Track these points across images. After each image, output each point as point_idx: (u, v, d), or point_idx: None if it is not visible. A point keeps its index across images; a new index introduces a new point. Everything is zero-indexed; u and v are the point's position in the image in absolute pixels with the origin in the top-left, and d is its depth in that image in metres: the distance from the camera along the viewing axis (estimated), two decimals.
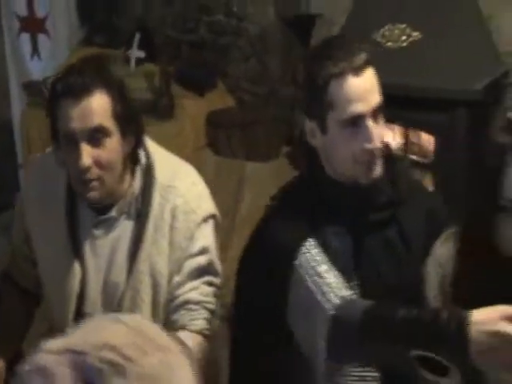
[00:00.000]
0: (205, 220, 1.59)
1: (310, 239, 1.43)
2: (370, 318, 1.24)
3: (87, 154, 1.46)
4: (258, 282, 1.50)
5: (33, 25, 4.32)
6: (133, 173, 1.57)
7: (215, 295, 1.61)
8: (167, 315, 1.57)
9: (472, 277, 1.30)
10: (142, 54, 3.66)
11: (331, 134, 1.46)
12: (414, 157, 2.66)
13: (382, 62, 2.53)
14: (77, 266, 1.57)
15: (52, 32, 4.26)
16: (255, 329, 1.53)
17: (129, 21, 3.79)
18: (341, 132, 1.44)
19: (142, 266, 1.55)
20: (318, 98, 1.45)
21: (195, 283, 1.56)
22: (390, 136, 1.49)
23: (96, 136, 1.47)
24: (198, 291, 1.56)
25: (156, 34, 3.71)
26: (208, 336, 1.57)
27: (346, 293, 1.35)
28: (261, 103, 3.44)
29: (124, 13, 3.86)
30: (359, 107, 1.41)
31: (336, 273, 1.40)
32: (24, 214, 1.67)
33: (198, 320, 1.55)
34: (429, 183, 2.68)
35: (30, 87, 3.77)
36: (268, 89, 3.43)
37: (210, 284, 1.59)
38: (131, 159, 1.56)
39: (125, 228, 1.57)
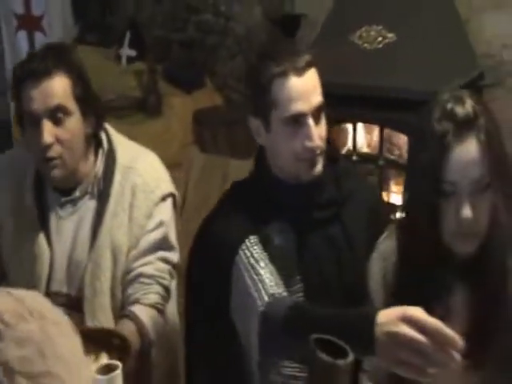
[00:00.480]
0: (163, 199, 1.70)
1: (252, 236, 1.49)
2: (293, 315, 1.29)
3: (48, 132, 1.56)
4: (203, 277, 1.57)
5: (30, 23, 4.40)
6: (96, 155, 1.68)
7: (170, 272, 1.70)
8: (123, 289, 1.66)
9: (412, 265, 1.34)
10: (132, 53, 3.72)
11: (274, 131, 1.52)
12: (390, 156, 2.72)
13: (358, 63, 2.62)
14: (46, 248, 1.66)
15: (48, 30, 4.35)
16: (206, 323, 1.59)
17: (120, 20, 3.86)
18: (283, 130, 1.50)
19: (103, 240, 1.64)
20: (261, 97, 1.51)
21: (150, 258, 1.66)
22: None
23: (57, 115, 1.57)
24: (152, 266, 1.66)
25: (146, 33, 3.77)
26: (161, 310, 1.65)
27: (278, 290, 1.40)
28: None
29: (116, 12, 3.92)
30: (300, 106, 1.47)
31: (273, 270, 1.45)
32: None
33: (151, 294, 1.64)
34: (397, 181, 2.74)
35: None
36: None
37: (164, 260, 1.68)
38: (93, 141, 1.67)
39: (88, 207, 1.67)
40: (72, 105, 1.58)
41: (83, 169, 1.67)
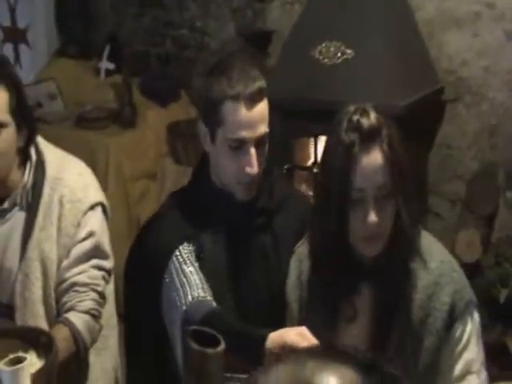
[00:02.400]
0: (91, 208, 1.72)
1: (185, 243, 1.54)
2: (206, 321, 1.34)
3: None
4: (139, 283, 1.63)
5: (15, 35, 4.50)
6: (24, 167, 1.71)
7: (104, 278, 1.73)
8: (58, 298, 1.69)
9: (322, 267, 1.41)
10: (111, 66, 3.81)
11: (218, 146, 1.56)
12: None
13: (318, 78, 2.69)
14: None
15: (32, 42, 4.44)
16: (143, 327, 1.65)
17: (101, 34, 3.94)
18: (226, 149, 1.54)
19: (32, 252, 1.68)
20: (211, 111, 1.55)
21: (83, 267, 1.69)
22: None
23: None
24: (86, 274, 1.69)
25: (126, 47, 3.85)
26: (96, 316, 1.69)
27: (202, 294, 1.46)
28: None
29: (97, 26, 4.01)
30: (245, 134, 1.50)
31: (202, 277, 1.50)
32: None
33: (86, 301, 1.67)
34: None
35: None
36: None
37: (98, 267, 1.72)
38: (23, 154, 1.70)
39: (17, 218, 1.70)
40: (7, 118, 1.62)
41: (12, 180, 1.69)
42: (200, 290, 1.46)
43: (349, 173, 1.29)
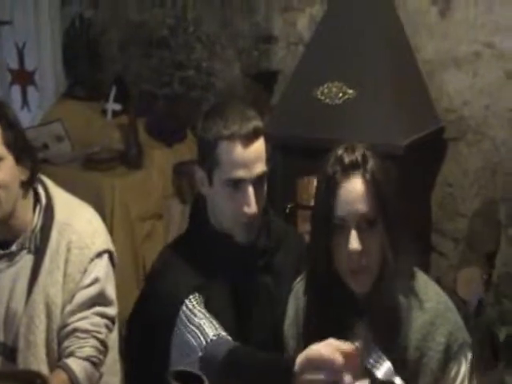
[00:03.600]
0: (98, 255, 1.73)
1: (191, 295, 1.53)
2: (230, 356, 1.34)
3: None
4: (146, 334, 1.61)
5: (23, 77, 4.59)
6: (34, 210, 1.73)
7: (107, 326, 1.73)
8: (60, 342, 1.70)
9: (316, 304, 1.42)
10: (117, 107, 3.87)
11: (216, 187, 1.56)
12: None
13: (320, 118, 2.73)
14: None
15: (40, 84, 4.52)
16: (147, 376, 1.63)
17: (108, 75, 4.02)
18: (224, 189, 1.54)
19: (37, 296, 1.69)
20: (207, 153, 1.55)
21: (85, 313, 1.70)
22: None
23: None
24: (88, 321, 1.69)
25: (133, 87, 3.92)
26: (96, 363, 1.69)
27: (218, 332, 1.44)
28: None
29: (104, 68, 4.08)
30: (242, 173, 1.50)
31: (212, 319, 1.49)
32: None
33: (86, 348, 1.67)
34: None
35: None
36: None
37: (101, 315, 1.72)
38: (31, 196, 1.73)
39: (25, 261, 1.72)
40: (3, 150, 1.65)
41: (19, 221, 1.72)
42: (215, 331, 1.45)
43: (330, 201, 1.32)
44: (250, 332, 1.58)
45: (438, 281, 2.90)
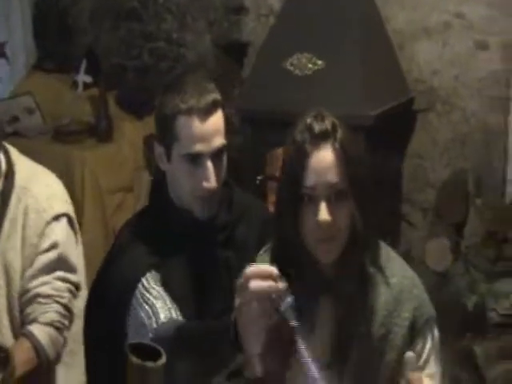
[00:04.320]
0: (55, 218, 1.72)
1: (151, 271, 1.52)
2: (179, 334, 1.34)
3: None
4: (102, 314, 1.59)
5: None
6: None
7: (70, 291, 1.73)
8: (22, 308, 1.70)
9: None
10: (88, 79, 3.82)
11: (174, 163, 1.54)
12: None
13: (289, 89, 2.72)
14: None
15: (10, 57, 4.45)
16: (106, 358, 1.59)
17: (79, 48, 3.95)
18: (182, 165, 1.52)
19: None
20: (165, 128, 1.53)
21: (46, 278, 1.69)
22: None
23: None
24: (49, 286, 1.69)
25: (103, 60, 3.87)
26: (59, 328, 1.69)
27: (169, 315, 1.44)
28: None
29: (74, 40, 4.02)
30: (200, 147, 1.49)
31: (167, 299, 1.49)
32: None
33: (49, 313, 1.67)
34: None
35: None
36: None
37: (63, 280, 1.71)
38: None
39: None
40: None
41: None
42: (167, 313, 1.45)
43: (300, 170, 1.30)
44: (210, 307, 1.57)
45: (409, 251, 2.95)
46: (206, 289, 1.59)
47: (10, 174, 1.73)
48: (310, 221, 1.31)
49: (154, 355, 1.06)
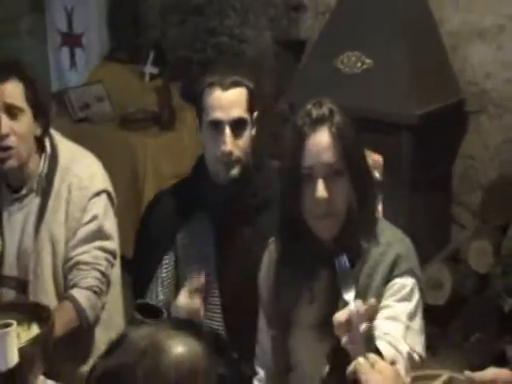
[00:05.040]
0: (96, 194, 1.91)
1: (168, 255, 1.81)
2: None
3: (5, 125, 1.82)
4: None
5: (71, 40, 4.77)
6: (40, 158, 1.92)
7: (108, 260, 1.91)
8: (65, 276, 1.89)
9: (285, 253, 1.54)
10: (155, 70, 4.00)
11: (203, 131, 1.77)
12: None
13: (338, 87, 2.79)
14: None
15: (86, 47, 4.70)
16: None
17: (148, 40, 4.14)
18: (207, 132, 1.74)
19: (43, 233, 1.89)
20: (197, 100, 1.77)
21: (86, 247, 1.88)
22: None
23: (12, 111, 1.83)
24: (89, 254, 1.88)
25: (171, 53, 4.04)
26: (98, 292, 1.87)
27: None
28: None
29: (144, 33, 4.21)
30: (219, 114, 1.70)
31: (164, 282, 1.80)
32: None
33: (88, 278, 1.86)
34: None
35: (56, 96, 4.17)
36: (262, 106, 3.68)
37: (101, 249, 1.90)
38: (39, 145, 1.91)
39: (33, 203, 1.92)
40: (24, 104, 1.85)
41: (30, 168, 1.91)
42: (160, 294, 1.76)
43: (298, 151, 1.41)
44: (225, 275, 1.77)
45: (457, 252, 2.95)
46: (222, 256, 1.77)
47: (54, 156, 1.93)
48: (309, 198, 1.41)
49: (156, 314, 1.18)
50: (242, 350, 1.49)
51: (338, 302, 1.38)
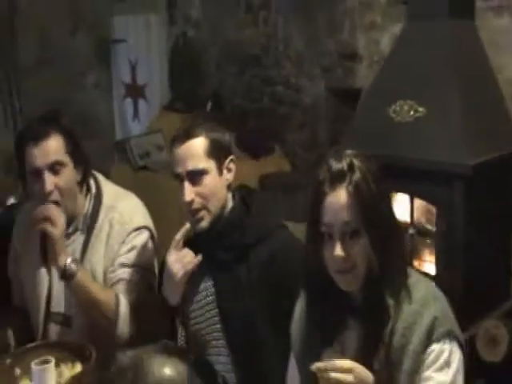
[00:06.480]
0: (136, 229, 2.02)
1: None
2: None
3: (50, 182, 1.92)
4: None
5: (135, 91, 4.94)
6: (85, 198, 2.04)
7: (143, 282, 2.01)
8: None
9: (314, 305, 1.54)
10: None
11: None
12: (422, 224, 2.78)
13: (390, 135, 2.75)
14: (46, 275, 2.04)
15: (149, 97, 4.85)
16: None
17: (206, 90, 4.24)
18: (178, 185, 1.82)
19: (85, 265, 1.99)
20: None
21: (125, 269, 2.00)
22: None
23: (55, 167, 1.93)
24: (127, 274, 1.99)
25: (228, 102, 4.12)
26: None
27: None
28: (309, 167, 3.69)
29: (203, 84, 4.31)
30: (178, 169, 1.82)
31: None
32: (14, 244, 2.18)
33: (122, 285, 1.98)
34: (430, 252, 2.78)
35: (118, 145, 4.30)
36: (317, 154, 3.69)
37: (139, 273, 2.00)
38: (84, 186, 2.03)
39: (78, 240, 2.03)
40: (66, 158, 1.95)
41: (76, 209, 2.02)
42: None
43: (318, 209, 1.42)
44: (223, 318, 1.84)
45: None
46: (218, 302, 1.86)
47: (98, 196, 2.04)
48: (328, 255, 1.43)
49: None
50: None
51: (366, 352, 1.36)
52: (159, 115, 4.42)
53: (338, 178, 1.41)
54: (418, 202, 2.76)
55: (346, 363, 1.33)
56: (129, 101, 5.03)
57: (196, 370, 1.37)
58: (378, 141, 2.80)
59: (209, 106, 4.10)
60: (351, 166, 1.42)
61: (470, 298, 2.61)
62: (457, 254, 2.62)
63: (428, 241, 2.75)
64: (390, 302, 1.42)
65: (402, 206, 2.82)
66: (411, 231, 2.76)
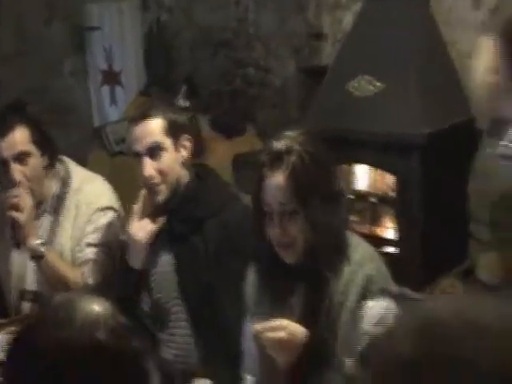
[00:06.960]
0: (101, 210, 2.12)
1: None
2: None
3: (17, 173, 2.04)
4: None
5: (111, 78, 5.02)
6: (51, 182, 2.15)
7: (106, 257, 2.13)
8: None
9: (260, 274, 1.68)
10: (186, 103, 4.18)
11: None
12: (382, 193, 2.92)
13: (349, 110, 2.88)
14: (18, 257, 2.17)
15: (125, 84, 4.94)
16: None
17: (179, 75, 4.34)
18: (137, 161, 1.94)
19: (54, 245, 2.11)
20: None
21: (89, 250, 2.12)
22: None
23: (21, 157, 2.05)
24: (91, 254, 2.12)
25: (201, 86, 4.23)
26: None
27: None
28: None
29: (176, 68, 4.41)
30: (135, 146, 1.93)
31: None
32: None
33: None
34: (391, 219, 2.92)
35: (95, 132, 4.39)
36: None
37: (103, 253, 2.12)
38: (51, 171, 2.13)
39: (46, 221, 2.15)
40: (32, 147, 2.07)
41: (44, 193, 2.14)
42: None
43: (259, 189, 1.54)
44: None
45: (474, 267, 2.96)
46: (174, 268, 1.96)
47: (66, 179, 2.15)
48: (270, 230, 1.55)
49: None
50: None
51: (315, 316, 1.48)
52: (135, 101, 4.51)
53: (276, 161, 1.50)
54: (378, 173, 2.90)
55: (277, 322, 1.46)
56: (106, 87, 5.11)
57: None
58: (338, 115, 2.93)
59: (183, 90, 4.20)
60: (289, 148, 1.50)
61: (429, 260, 2.76)
62: (416, 219, 2.76)
63: (388, 208, 2.89)
64: (328, 271, 1.53)
65: (363, 177, 2.97)
66: (372, 199, 2.90)
